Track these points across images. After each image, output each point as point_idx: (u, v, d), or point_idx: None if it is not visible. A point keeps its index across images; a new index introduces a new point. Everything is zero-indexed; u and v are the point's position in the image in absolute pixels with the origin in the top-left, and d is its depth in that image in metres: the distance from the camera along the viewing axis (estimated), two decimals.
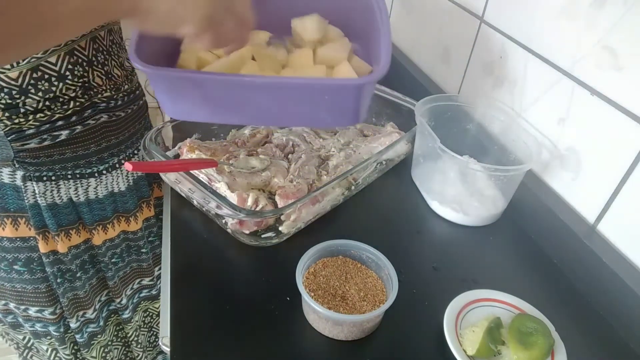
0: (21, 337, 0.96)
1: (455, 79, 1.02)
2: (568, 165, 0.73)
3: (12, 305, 0.87)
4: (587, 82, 0.68)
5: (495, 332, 0.56)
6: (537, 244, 0.76)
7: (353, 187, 0.81)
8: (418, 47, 1.19)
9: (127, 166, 0.61)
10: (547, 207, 0.74)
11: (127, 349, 1.08)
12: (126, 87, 0.80)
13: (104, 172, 0.81)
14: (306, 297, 0.55)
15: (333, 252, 0.64)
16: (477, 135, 0.88)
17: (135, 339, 1.05)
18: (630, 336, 0.61)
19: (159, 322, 1.07)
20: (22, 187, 0.74)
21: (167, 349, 0.55)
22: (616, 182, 0.65)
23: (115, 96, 0.77)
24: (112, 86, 0.76)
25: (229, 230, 0.71)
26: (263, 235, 0.70)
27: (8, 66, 0.63)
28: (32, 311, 0.87)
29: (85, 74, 0.71)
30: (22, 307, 0.87)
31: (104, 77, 0.74)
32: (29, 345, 0.98)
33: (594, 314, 0.65)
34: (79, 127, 0.73)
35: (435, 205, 0.80)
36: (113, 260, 0.90)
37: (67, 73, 0.69)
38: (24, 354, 1.00)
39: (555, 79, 0.74)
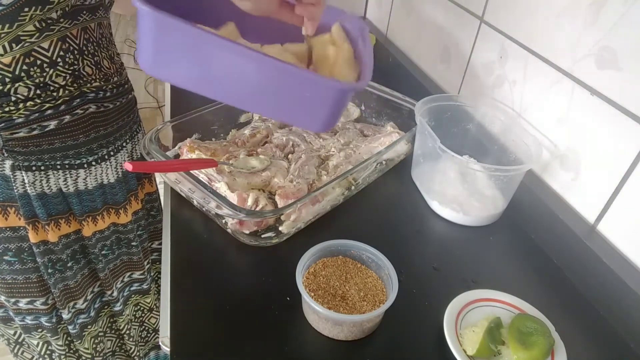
0: (12, 332, 0.96)
1: (455, 79, 1.02)
2: (568, 165, 0.73)
3: (2, 298, 0.87)
4: (587, 82, 0.68)
5: (495, 332, 0.56)
6: (537, 244, 0.76)
7: (353, 187, 0.81)
8: (418, 47, 1.19)
9: (127, 166, 0.61)
10: (547, 207, 0.74)
11: (121, 341, 1.08)
12: (115, 79, 0.80)
13: (94, 163, 0.80)
14: (306, 297, 0.55)
15: (333, 252, 0.64)
16: (477, 135, 0.88)
17: (128, 332, 1.05)
18: (630, 336, 0.61)
19: (150, 317, 1.07)
20: (11, 176, 0.74)
21: (167, 349, 0.55)
22: (616, 182, 0.65)
23: (104, 87, 0.78)
24: (101, 77, 0.77)
25: (229, 230, 0.71)
26: (263, 235, 0.70)
27: (1, 51, 0.64)
28: (23, 303, 0.87)
29: (76, 62, 0.72)
30: (13, 299, 0.87)
31: (93, 67, 0.75)
32: (19, 340, 0.98)
33: (594, 313, 0.65)
34: (67, 116, 0.73)
35: (435, 205, 0.80)
36: (103, 252, 0.90)
37: (59, 60, 0.69)
38: (15, 350, 1.00)
39: (555, 79, 0.74)
